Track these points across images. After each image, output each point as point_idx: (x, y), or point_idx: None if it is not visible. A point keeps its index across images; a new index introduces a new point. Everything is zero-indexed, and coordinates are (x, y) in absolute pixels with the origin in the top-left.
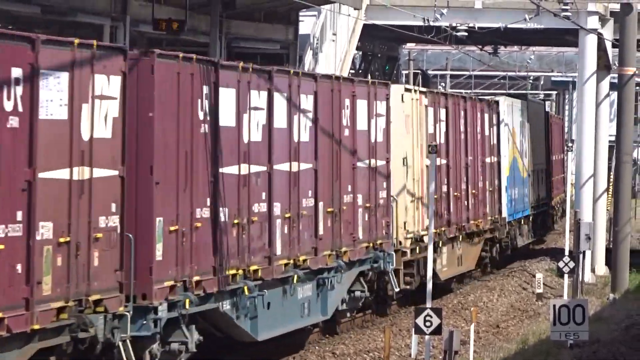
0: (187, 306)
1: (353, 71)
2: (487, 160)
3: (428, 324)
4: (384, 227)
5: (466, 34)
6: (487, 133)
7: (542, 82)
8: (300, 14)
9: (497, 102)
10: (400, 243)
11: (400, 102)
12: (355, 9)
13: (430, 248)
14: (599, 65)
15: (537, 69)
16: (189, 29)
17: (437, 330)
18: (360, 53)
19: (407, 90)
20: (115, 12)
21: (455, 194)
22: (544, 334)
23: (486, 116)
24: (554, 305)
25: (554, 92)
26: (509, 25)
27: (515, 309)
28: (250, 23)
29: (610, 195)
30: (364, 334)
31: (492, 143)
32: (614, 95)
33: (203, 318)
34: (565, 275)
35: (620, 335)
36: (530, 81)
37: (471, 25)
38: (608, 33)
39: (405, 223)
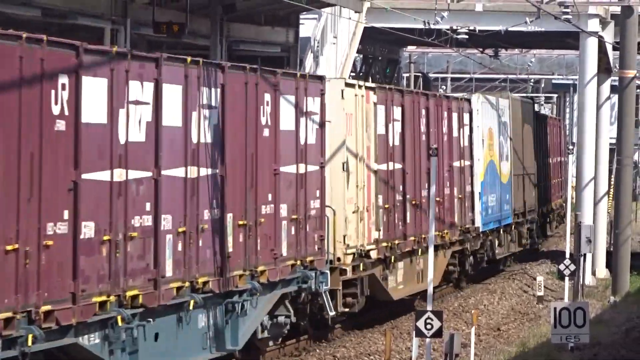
0: (29, 343)
1: (354, 74)
2: (456, 164)
3: (429, 326)
4: (316, 241)
5: (467, 36)
6: (455, 134)
7: (542, 85)
8: (301, 16)
9: (468, 100)
10: (339, 259)
11: (339, 98)
12: (355, 12)
13: (431, 250)
14: (599, 68)
15: (538, 71)
16: (190, 32)
17: (438, 333)
18: (361, 56)
19: (348, 85)
20: (116, 15)
21: (414, 202)
22: (544, 337)
23: (455, 115)
24: (555, 308)
25: (555, 95)
26: (510, 28)
27: (516, 312)
28: (250, 26)
29: (611, 198)
30: (364, 336)
31: (462, 145)
32: (615, 98)
33: (65, 354)
34: (566, 278)
35: (621, 338)
36: (531, 84)
37: (472, 28)
38: (609, 36)
39: (345, 237)
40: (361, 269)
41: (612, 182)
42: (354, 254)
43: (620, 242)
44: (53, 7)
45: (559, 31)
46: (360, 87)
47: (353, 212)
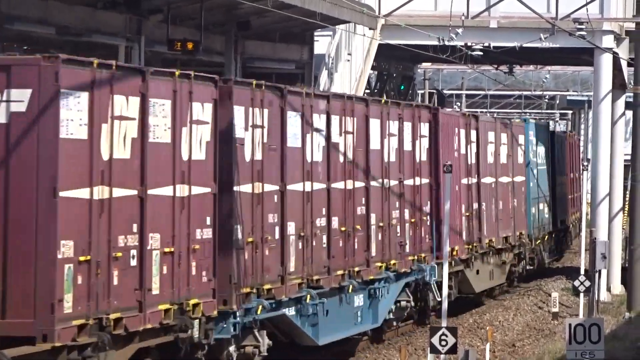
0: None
1: (369, 91)
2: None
3: (443, 343)
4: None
5: (481, 53)
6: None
7: (557, 102)
8: (316, 33)
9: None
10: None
11: None
12: (370, 28)
13: (446, 266)
14: (614, 84)
15: (553, 88)
16: (204, 49)
17: (453, 350)
18: (376, 72)
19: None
20: (130, 32)
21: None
22: (559, 353)
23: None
24: (570, 324)
25: (570, 112)
26: (525, 45)
27: (531, 328)
28: (265, 43)
29: (626, 214)
30: (379, 352)
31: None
32: (630, 114)
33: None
34: (581, 294)
35: (636, 354)
36: (546, 100)
37: (486, 44)
38: (623, 52)
39: None
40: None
41: (627, 198)
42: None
43: (636, 258)
44: (68, 25)
45: (574, 47)
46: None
47: None
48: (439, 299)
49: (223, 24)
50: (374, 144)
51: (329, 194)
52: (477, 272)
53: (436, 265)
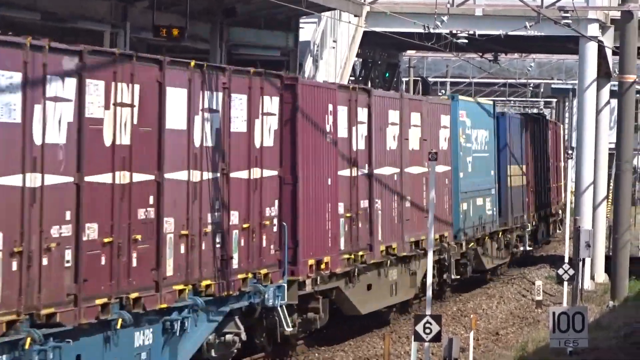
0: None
1: (353, 78)
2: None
3: (427, 331)
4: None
5: (466, 41)
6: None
7: (542, 90)
8: (301, 21)
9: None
10: None
11: None
12: (355, 16)
13: (430, 254)
14: (599, 72)
15: (538, 76)
16: (190, 36)
17: (437, 338)
18: (361, 60)
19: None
20: (116, 18)
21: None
22: (543, 342)
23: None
24: (554, 313)
25: (554, 100)
26: (510, 33)
27: (514, 317)
28: (250, 30)
29: (610, 203)
30: (363, 340)
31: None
32: (614, 102)
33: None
34: (565, 283)
35: (620, 342)
36: (531, 88)
37: (471, 32)
38: (608, 40)
39: None
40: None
41: (611, 187)
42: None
43: (619, 246)
44: (53, 11)
45: (559, 36)
46: None
47: None
48: (289, 329)
49: (208, 11)
50: (173, 121)
51: None
52: (369, 287)
53: (286, 285)
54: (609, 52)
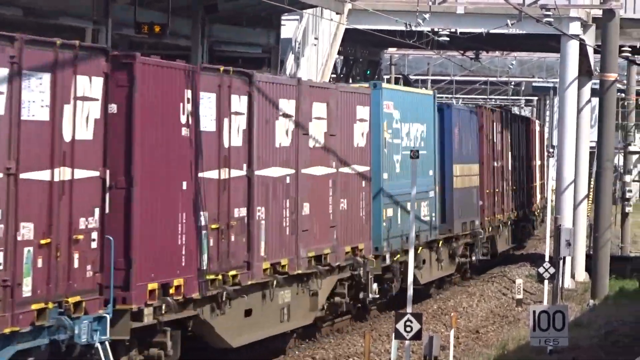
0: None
1: (334, 75)
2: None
3: (408, 329)
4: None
5: (448, 39)
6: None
7: (523, 88)
8: (282, 18)
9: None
10: None
11: None
12: (337, 13)
13: (412, 251)
14: (580, 71)
15: (519, 74)
16: (171, 33)
17: (417, 336)
18: (342, 57)
19: None
20: (98, 15)
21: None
22: (523, 340)
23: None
24: (534, 311)
25: (535, 98)
26: (491, 31)
27: (495, 315)
28: (232, 27)
29: (590, 202)
30: (343, 338)
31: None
32: (595, 101)
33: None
34: (546, 281)
35: (600, 341)
36: (512, 87)
37: (453, 30)
38: (590, 39)
39: None
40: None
41: (592, 186)
42: None
43: (600, 245)
44: (35, 7)
45: (540, 34)
46: None
47: None
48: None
49: (190, 7)
50: None
51: None
52: (247, 313)
53: (109, 316)
54: (590, 50)
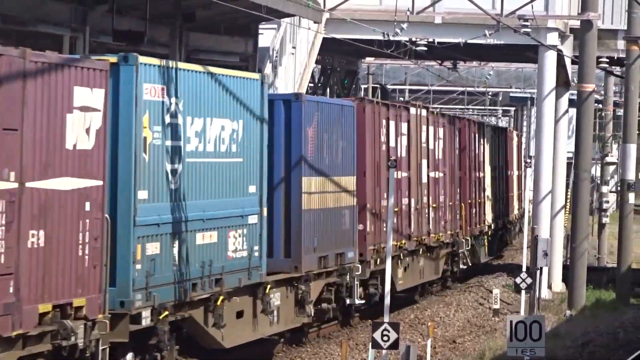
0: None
1: (312, 84)
2: None
3: (385, 338)
4: None
5: (425, 49)
6: None
7: (500, 98)
8: (260, 26)
9: None
10: None
11: None
12: (315, 22)
13: (389, 261)
14: (558, 81)
15: (496, 85)
16: (149, 40)
17: (394, 345)
18: (320, 67)
19: None
20: (75, 22)
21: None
22: (500, 350)
23: None
24: (511, 321)
25: (513, 108)
26: (469, 41)
27: (472, 325)
28: (210, 35)
29: (567, 212)
30: (320, 347)
31: None
32: (573, 111)
33: None
34: (522, 291)
35: (577, 352)
36: (489, 97)
37: (431, 40)
38: (568, 50)
39: None
40: None
41: (569, 196)
42: None
43: (577, 256)
44: (13, 14)
45: (518, 44)
46: None
47: None
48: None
49: (168, 15)
50: None
51: None
52: None
53: None
54: (568, 61)
